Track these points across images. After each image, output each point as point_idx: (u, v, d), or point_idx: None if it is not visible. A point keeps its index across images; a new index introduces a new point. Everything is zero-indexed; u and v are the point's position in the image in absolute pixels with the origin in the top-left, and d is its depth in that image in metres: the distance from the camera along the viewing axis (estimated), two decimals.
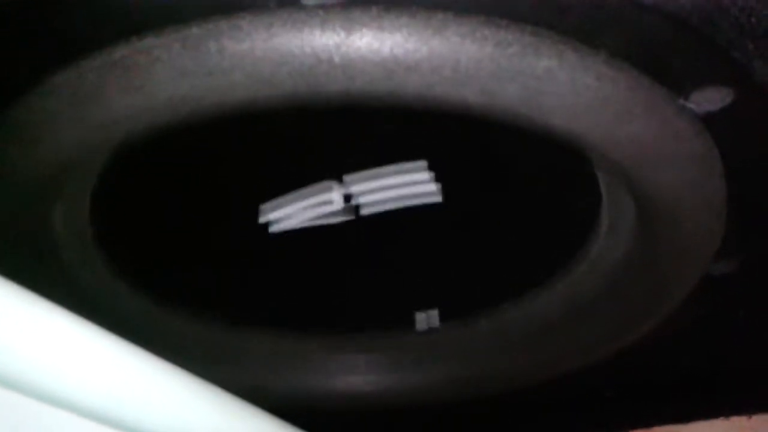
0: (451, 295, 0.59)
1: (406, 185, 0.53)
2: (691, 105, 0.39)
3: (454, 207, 0.53)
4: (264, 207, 0.54)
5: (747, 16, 0.36)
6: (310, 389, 0.62)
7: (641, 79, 0.37)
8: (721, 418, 0.64)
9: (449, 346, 0.60)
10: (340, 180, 0.53)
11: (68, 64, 0.36)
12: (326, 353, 0.62)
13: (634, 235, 0.50)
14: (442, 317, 0.60)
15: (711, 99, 0.38)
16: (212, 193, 0.53)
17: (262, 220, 0.54)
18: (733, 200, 0.43)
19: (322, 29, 0.34)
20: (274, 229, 0.54)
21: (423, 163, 0.52)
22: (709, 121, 0.39)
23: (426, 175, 0.52)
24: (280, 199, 0.54)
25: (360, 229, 0.54)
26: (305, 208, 0.53)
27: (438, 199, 0.53)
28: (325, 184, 0.53)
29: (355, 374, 0.62)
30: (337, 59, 0.35)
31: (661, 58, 0.37)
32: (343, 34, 0.34)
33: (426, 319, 0.60)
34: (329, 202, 0.53)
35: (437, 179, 0.53)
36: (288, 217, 0.54)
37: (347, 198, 0.53)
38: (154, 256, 0.56)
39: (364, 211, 0.53)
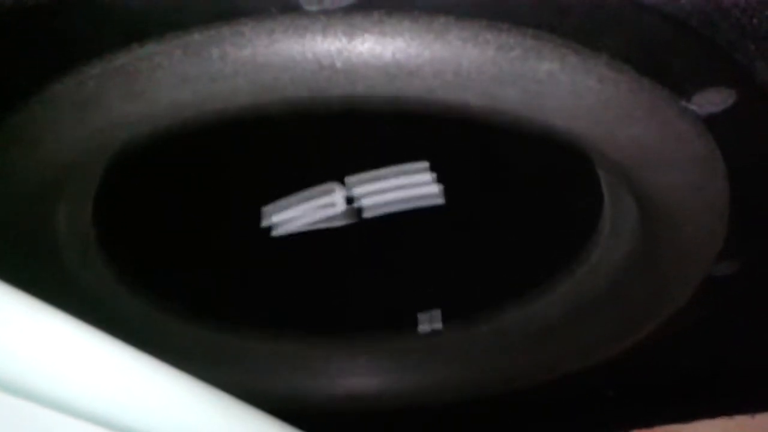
0: (453, 296, 0.59)
1: (408, 187, 0.53)
2: (693, 107, 0.39)
3: (456, 208, 0.53)
4: (266, 209, 0.54)
5: (748, 18, 0.36)
6: (312, 391, 0.62)
7: (643, 81, 0.37)
8: (724, 417, 0.64)
9: (451, 348, 0.60)
10: (342, 182, 0.53)
11: (69, 70, 0.36)
12: (327, 355, 0.62)
13: (635, 236, 0.50)
14: (445, 319, 0.60)
15: (713, 100, 0.38)
16: (214, 195, 0.53)
17: (264, 222, 0.54)
18: (735, 202, 0.43)
19: (323, 35, 0.34)
20: (276, 232, 0.54)
21: (425, 165, 0.52)
22: (711, 122, 0.39)
23: (428, 177, 0.52)
24: (282, 202, 0.54)
25: (361, 231, 0.54)
26: (307, 211, 0.53)
27: (440, 200, 0.53)
28: (327, 186, 0.53)
29: (356, 376, 0.62)
30: (339, 64, 0.35)
31: (663, 59, 0.37)
32: (344, 40, 0.34)
33: (429, 320, 0.60)
34: (331, 205, 0.53)
35: (439, 181, 0.53)
36: (290, 219, 0.54)
37: (349, 200, 0.53)
38: (155, 259, 0.56)
39: (367, 214, 0.53)
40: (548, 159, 0.49)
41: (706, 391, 0.63)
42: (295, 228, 0.54)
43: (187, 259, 0.56)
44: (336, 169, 0.53)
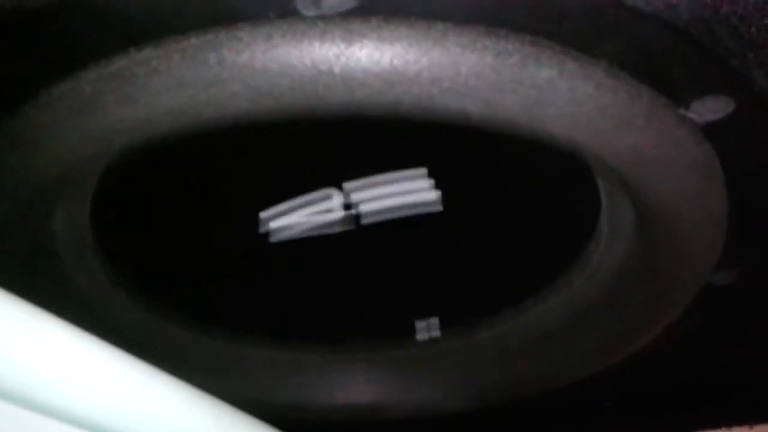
0: (451, 303, 0.59)
1: (406, 193, 0.53)
2: (691, 114, 0.39)
3: (454, 215, 0.53)
4: (263, 216, 0.53)
5: (746, 26, 0.36)
6: (308, 400, 0.62)
7: (641, 88, 0.37)
8: (723, 428, 0.64)
9: (449, 356, 0.60)
10: (340, 188, 0.53)
11: (66, 75, 0.36)
12: (324, 363, 0.62)
13: (634, 243, 0.50)
14: (443, 326, 0.60)
15: (711, 108, 0.38)
16: (211, 201, 0.53)
17: (261, 229, 0.54)
18: (733, 210, 0.43)
19: (321, 40, 0.34)
20: (273, 238, 0.54)
21: (423, 171, 0.52)
22: (709, 130, 0.39)
23: (426, 183, 0.52)
24: (280, 208, 0.53)
25: (359, 237, 0.54)
26: (305, 217, 0.53)
27: (438, 207, 0.53)
28: (325, 191, 0.53)
29: (353, 384, 0.62)
30: (336, 70, 0.35)
31: (661, 67, 0.37)
32: (342, 45, 0.34)
33: (426, 328, 0.60)
34: (329, 211, 0.53)
35: (437, 187, 0.53)
36: (288, 226, 0.54)
37: (347, 206, 0.53)
38: (152, 264, 0.56)
39: (365, 221, 0.53)
40: (546, 166, 0.49)
41: (704, 402, 0.63)
42: (292, 234, 0.54)
43: (184, 265, 0.56)
44: (334, 174, 0.52)
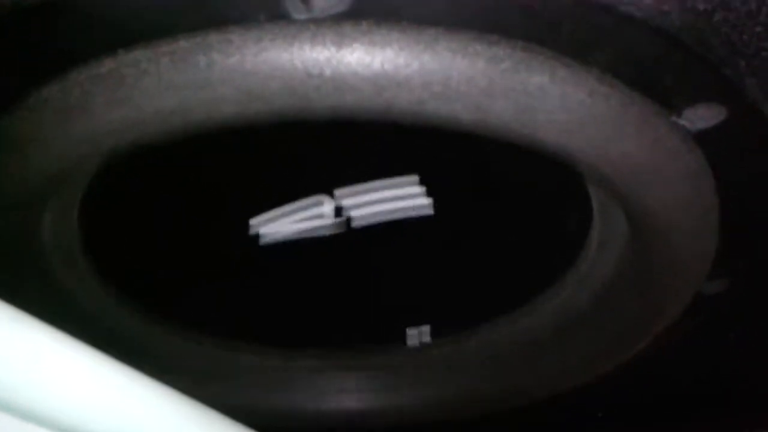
0: (442, 311, 0.59)
1: (397, 200, 0.52)
2: (683, 122, 0.39)
3: (446, 222, 0.53)
4: (254, 221, 0.53)
5: (738, 34, 0.36)
6: (300, 407, 0.61)
7: (633, 95, 0.37)
8: None
9: (440, 364, 0.60)
10: (331, 194, 0.53)
11: (55, 76, 0.35)
12: (315, 370, 0.61)
13: (625, 252, 0.50)
14: (433, 334, 0.60)
15: (703, 116, 0.38)
16: (201, 207, 0.53)
17: (251, 234, 0.53)
18: (725, 218, 0.43)
19: (312, 43, 0.34)
20: (263, 243, 0.53)
21: (415, 178, 0.52)
22: (701, 138, 0.39)
23: (418, 190, 0.52)
24: (271, 213, 0.53)
25: (350, 244, 0.54)
26: (295, 223, 0.53)
27: (430, 214, 0.52)
28: (316, 198, 0.53)
29: (345, 392, 0.61)
30: (327, 74, 0.35)
31: (653, 75, 0.37)
32: (333, 49, 0.34)
33: (417, 335, 0.60)
34: (320, 216, 0.53)
35: (428, 194, 0.52)
36: (278, 231, 0.53)
37: (338, 212, 0.53)
38: (142, 270, 0.55)
39: (355, 224, 0.53)
40: (538, 173, 0.49)
41: (696, 411, 0.63)
42: (282, 240, 0.53)
43: (173, 270, 0.56)
44: (325, 180, 0.52)
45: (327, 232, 0.53)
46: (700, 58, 0.36)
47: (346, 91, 0.35)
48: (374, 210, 0.53)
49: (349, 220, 0.53)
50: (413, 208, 0.52)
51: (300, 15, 0.34)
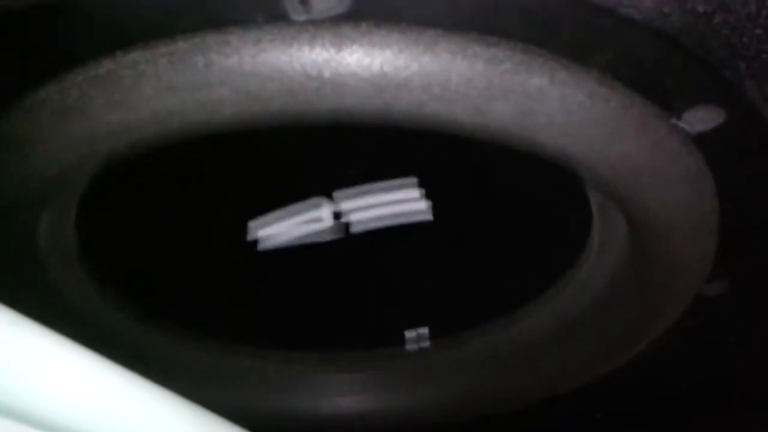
0: (441, 314, 0.59)
1: (396, 203, 0.52)
2: (683, 124, 0.39)
3: (444, 225, 0.53)
4: (252, 224, 0.53)
5: (738, 36, 0.36)
6: (298, 410, 0.61)
7: (633, 97, 0.37)
8: None
9: (439, 367, 0.60)
10: (329, 196, 0.53)
11: (52, 78, 0.35)
12: (313, 374, 0.61)
13: (625, 254, 0.50)
14: (432, 336, 0.60)
15: (703, 119, 0.38)
16: (199, 210, 0.53)
17: (250, 237, 0.53)
18: (725, 220, 0.43)
19: (311, 45, 0.34)
20: (262, 246, 0.53)
21: (413, 180, 0.52)
22: (700, 140, 0.39)
23: (416, 193, 0.52)
24: (269, 216, 0.53)
25: (348, 247, 0.54)
26: (294, 226, 0.53)
27: (428, 217, 0.52)
28: (315, 200, 0.53)
29: (343, 395, 0.61)
30: (326, 75, 0.34)
31: (653, 77, 0.37)
32: (332, 50, 0.34)
33: (416, 338, 0.60)
34: (319, 220, 0.53)
35: (427, 197, 0.52)
36: (276, 234, 0.53)
37: (337, 215, 0.53)
38: (139, 273, 0.55)
39: (354, 229, 0.53)
40: (538, 176, 0.49)
41: (695, 412, 0.63)
42: (281, 243, 0.53)
43: (171, 275, 0.55)
44: (324, 183, 0.52)
45: (326, 238, 0.53)
46: (700, 61, 0.36)
47: (346, 93, 0.35)
48: (373, 214, 0.52)
49: (347, 225, 0.53)
50: (412, 212, 0.52)
51: (299, 16, 0.34)
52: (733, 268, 0.47)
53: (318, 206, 0.53)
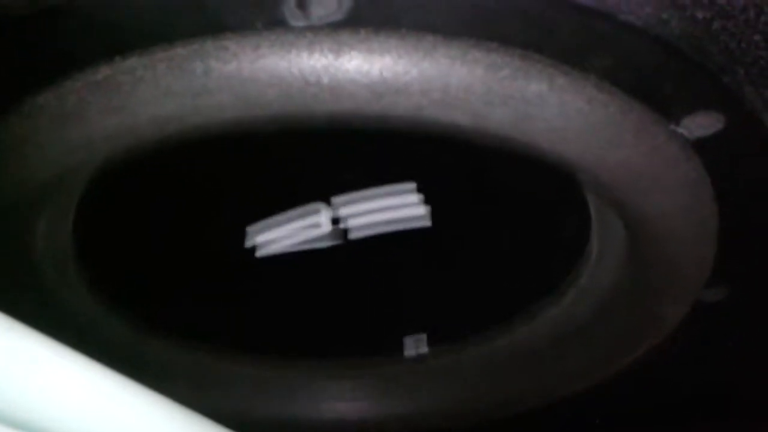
0: (439, 320, 0.59)
1: (394, 208, 0.52)
2: (681, 130, 0.39)
3: (443, 230, 0.53)
4: (250, 230, 0.53)
5: (737, 42, 0.36)
6: (296, 417, 0.61)
7: (632, 103, 0.37)
8: None
9: (437, 373, 0.60)
10: (328, 201, 0.53)
11: (50, 84, 0.35)
12: (311, 380, 0.61)
13: (624, 260, 0.50)
14: (431, 343, 0.59)
15: (702, 124, 0.38)
16: (197, 215, 0.53)
17: (248, 243, 0.53)
18: (724, 226, 0.43)
19: (310, 51, 0.34)
20: (260, 253, 0.53)
21: (412, 186, 0.52)
22: (699, 146, 0.39)
23: (415, 198, 0.52)
24: (267, 222, 0.53)
25: (347, 253, 0.54)
26: (292, 231, 0.53)
27: (427, 222, 0.52)
28: (313, 206, 0.53)
29: (340, 401, 0.61)
30: (325, 81, 0.34)
31: (652, 82, 0.37)
32: (331, 56, 0.34)
33: (414, 344, 0.60)
34: (317, 225, 0.53)
35: (426, 202, 0.52)
36: (274, 240, 0.53)
37: (335, 221, 0.53)
38: (136, 278, 0.55)
39: (352, 236, 0.53)
40: (537, 182, 0.49)
41: (694, 418, 0.63)
42: (279, 249, 0.53)
43: (169, 281, 0.55)
44: (322, 189, 0.52)
45: (324, 244, 0.53)
46: (699, 67, 0.36)
47: (344, 99, 0.35)
48: (371, 220, 0.52)
49: (346, 231, 0.53)
50: (411, 218, 0.52)
51: (298, 22, 0.34)
52: (732, 273, 0.47)
53: (316, 212, 0.53)
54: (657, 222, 0.43)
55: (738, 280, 0.47)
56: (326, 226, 0.53)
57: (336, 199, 0.52)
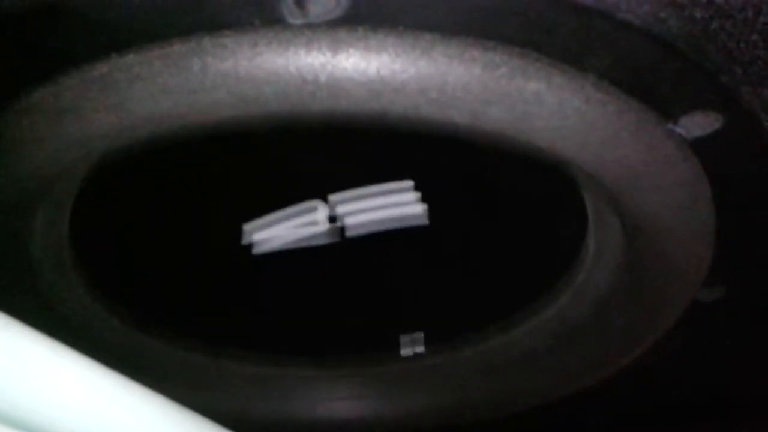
0: (435, 320, 0.58)
1: (392, 206, 0.52)
2: (679, 130, 0.39)
3: (440, 228, 0.53)
4: (247, 228, 0.53)
5: (735, 42, 0.36)
6: (292, 415, 0.61)
7: (630, 102, 0.37)
8: None
9: (433, 373, 0.60)
10: (325, 199, 0.53)
11: (47, 80, 0.35)
12: (308, 378, 0.61)
13: (621, 259, 0.50)
14: (427, 342, 0.59)
15: (700, 124, 0.38)
16: (193, 213, 0.53)
17: (245, 241, 0.53)
18: (721, 226, 0.43)
19: (307, 49, 0.34)
20: (257, 250, 0.53)
21: (410, 184, 0.52)
22: (697, 146, 0.39)
23: (412, 196, 0.52)
24: (264, 220, 0.53)
25: (344, 251, 0.53)
26: (289, 229, 0.53)
27: (424, 221, 0.52)
28: (310, 203, 0.53)
29: (337, 399, 0.61)
30: (322, 79, 0.34)
31: (650, 82, 0.37)
32: (329, 54, 0.34)
33: (411, 343, 0.60)
34: (314, 223, 0.53)
35: (423, 200, 0.52)
36: (271, 238, 0.53)
37: (332, 219, 0.53)
38: (133, 276, 0.55)
39: (349, 233, 0.53)
40: (534, 181, 0.49)
41: (692, 419, 0.63)
42: (276, 246, 0.53)
43: (165, 277, 0.55)
44: (319, 186, 0.52)
45: (321, 242, 0.53)
46: (697, 66, 0.36)
47: (342, 97, 0.35)
48: (368, 218, 0.52)
49: (343, 227, 0.53)
50: (408, 216, 0.52)
51: (295, 20, 0.33)
52: (730, 273, 0.47)
53: (313, 210, 0.53)
54: (654, 221, 0.43)
55: (735, 279, 0.47)
56: (323, 224, 0.53)
57: (333, 197, 0.52)
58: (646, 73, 0.37)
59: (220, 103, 0.35)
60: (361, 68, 0.34)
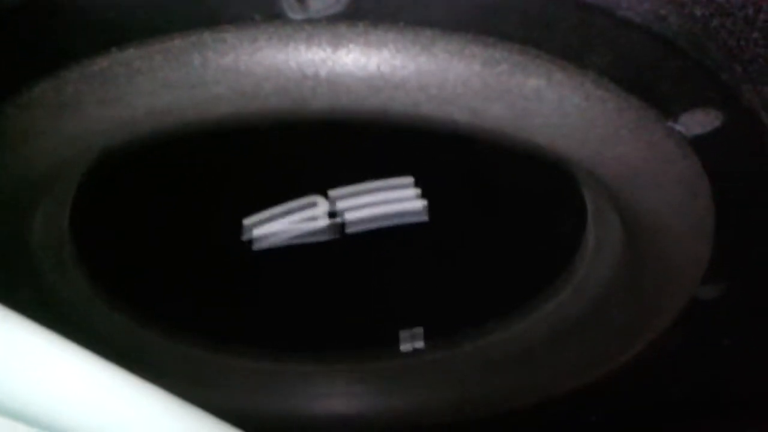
0: (435, 315, 0.59)
1: (391, 202, 0.52)
2: (679, 127, 0.39)
3: (440, 225, 0.53)
4: (247, 223, 0.53)
5: (735, 40, 0.36)
6: (292, 410, 0.61)
7: (630, 100, 0.37)
8: None
9: (433, 368, 0.60)
10: (325, 195, 0.53)
11: (47, 75, 0.35)
12: (308, 373, 0.61)
13: (620, 256, 0.50)
14: (426, 338, 0.60)
15: (699, 122, 0.38)
16: (193, 208, 0.53)
17: (245, 236, 0.53)
18: (720, 223, 0.43)
19: (307, 44, 0.34)
20: (257, 246, 0.53)
21: (409, 180, 0.52)
22: (697, 143, 0.39)
23: (412, 192, 0.52)
24: (264, 215, 0.53)
25: (344, 247, 0.54)
26: (289, 225, 0.53)
27: (424, 217, 0.52)
28: (310, 199, 0.53)
29: (336, 395, 0.61)
30: (322, 74, 0.34)
31: (650, 79, 0.37)
32: (329, 50, 0.34)
33: (410, 338, 0.60)
34: (314, 219, 0.53)
35: (423, 196, 0.52)
36: (271, 233, 0.53)
37: (332, 214, 0.53)
38: (133, 272, 0.55)
39: (349, 229, 0.53)
40: (533, 177, 0.49)
41: (691, 416, 0.63)
42: (276, 242, 0.53)
43: (165, 273, 0.55)
44: (319, 182, 0.52)
45: (321, 238, 0.53)
46: (697, 64, 0.36)
47: (342, 93, 0.35)
48: (368, 214, 0.52)
49: (343, 222, 0.53)
50: (408, 212, 0.52)
51: (296, 15, 0.33)
52: (729, 270, 0.47)
53: (313, 205, 0.53)
54: (654, 218, 0.43)
55: (735, 276, 0.47)
56: (323, 220, 0.53)
57: (333, 193, 0.52)
58: (647, 70, 0.37)
59: (221, 98, 0.35)
60: (361, 64, 0.34)
